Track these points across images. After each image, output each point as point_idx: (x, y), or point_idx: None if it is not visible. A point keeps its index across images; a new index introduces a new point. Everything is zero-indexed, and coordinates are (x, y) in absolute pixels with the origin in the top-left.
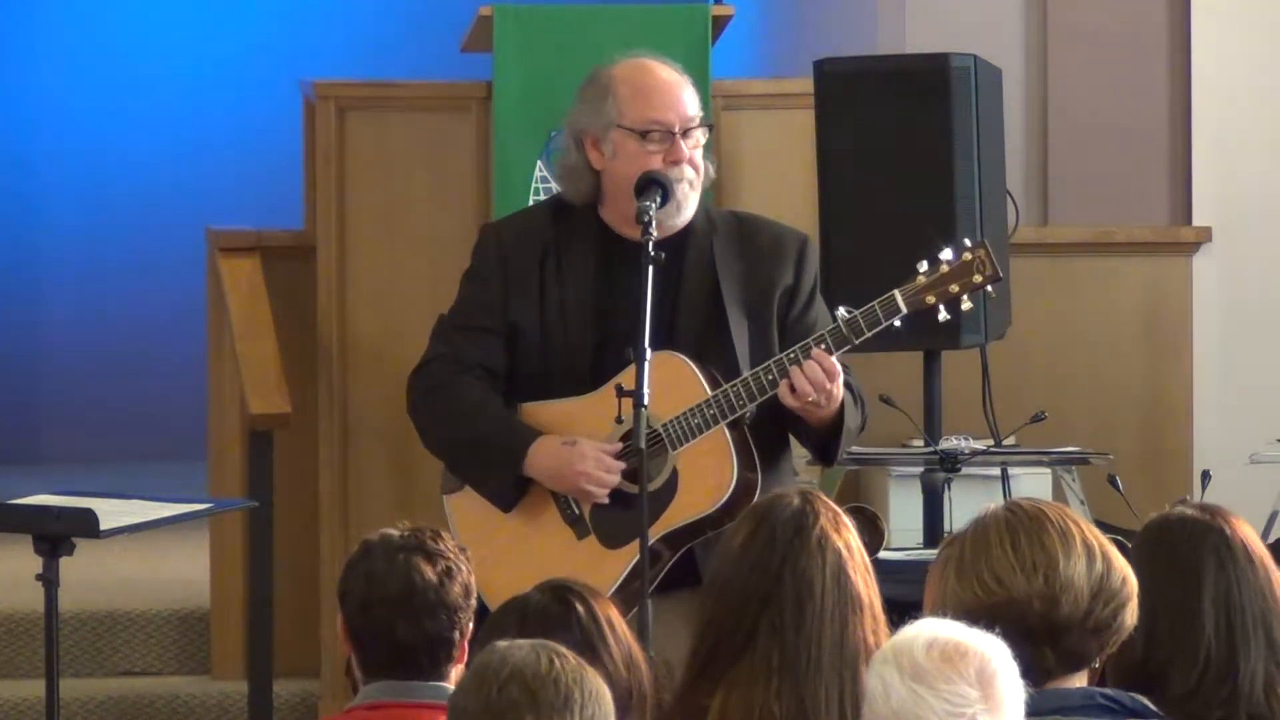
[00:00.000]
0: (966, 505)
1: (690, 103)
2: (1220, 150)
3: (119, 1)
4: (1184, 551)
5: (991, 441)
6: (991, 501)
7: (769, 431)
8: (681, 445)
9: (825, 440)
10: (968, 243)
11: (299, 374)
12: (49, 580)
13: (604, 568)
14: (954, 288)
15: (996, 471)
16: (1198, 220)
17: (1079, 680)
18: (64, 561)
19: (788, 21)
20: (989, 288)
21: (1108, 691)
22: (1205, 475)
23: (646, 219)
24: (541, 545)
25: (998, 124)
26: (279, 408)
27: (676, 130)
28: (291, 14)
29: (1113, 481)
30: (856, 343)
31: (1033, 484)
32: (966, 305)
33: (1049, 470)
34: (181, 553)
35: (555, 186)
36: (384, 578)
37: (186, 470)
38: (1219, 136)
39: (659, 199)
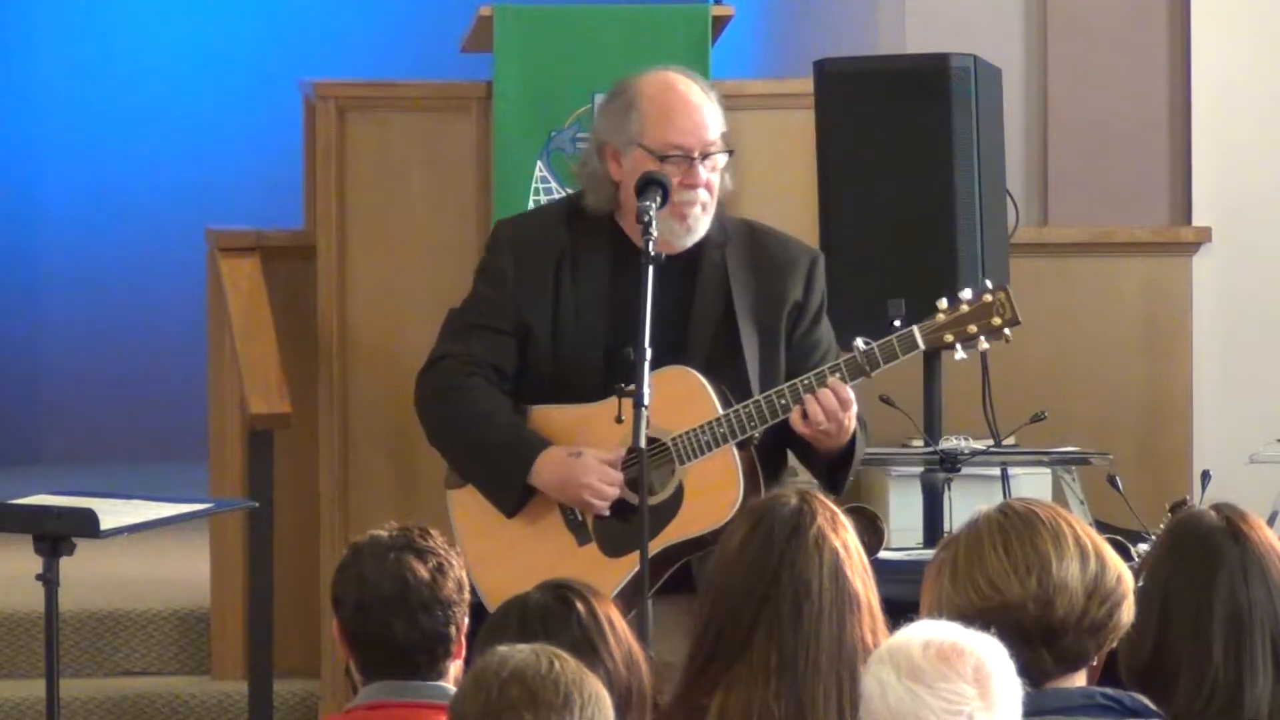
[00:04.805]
0: (966, 505)
1: (712, 125)
2: (1220, 150)
3: (120, 1)
4: (1202, 566)
5: (991, 441)
6: (991, 502)
7: (772, 454)
8: (689, 461)
9: (834, 468)
10: (989, 284)
11: (299, 374)
12: (49, 580)
13: (602, 576)
14: (972, 328)
15: (996, 471)
16: (1198, 220)
17: (1078, 679)
18: (64, 561)
19: (788, 21)
20: (1006, 331)
21: (1108, 691)
22: (1205, 475)
23: (647, 219)
24: (541, 549)
25: (998, 124)
26: (279, 408)
27: (695, 155)
28: (291, 14)
29: (1113, 481)
30: (870, 375)
31: (1033, 484)
32: (984, 346)
33: (1049, 470)
34: (181, 553)
35: (555, 186)
36: (377, 579)
37: (186, 470)
38: (1219, 136)
39: (659, 198)
